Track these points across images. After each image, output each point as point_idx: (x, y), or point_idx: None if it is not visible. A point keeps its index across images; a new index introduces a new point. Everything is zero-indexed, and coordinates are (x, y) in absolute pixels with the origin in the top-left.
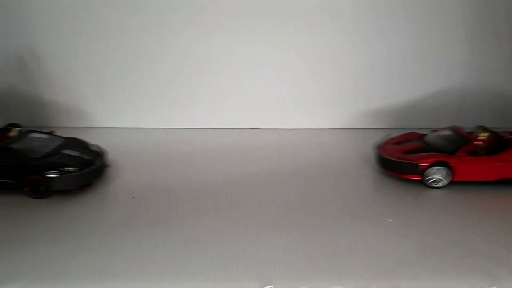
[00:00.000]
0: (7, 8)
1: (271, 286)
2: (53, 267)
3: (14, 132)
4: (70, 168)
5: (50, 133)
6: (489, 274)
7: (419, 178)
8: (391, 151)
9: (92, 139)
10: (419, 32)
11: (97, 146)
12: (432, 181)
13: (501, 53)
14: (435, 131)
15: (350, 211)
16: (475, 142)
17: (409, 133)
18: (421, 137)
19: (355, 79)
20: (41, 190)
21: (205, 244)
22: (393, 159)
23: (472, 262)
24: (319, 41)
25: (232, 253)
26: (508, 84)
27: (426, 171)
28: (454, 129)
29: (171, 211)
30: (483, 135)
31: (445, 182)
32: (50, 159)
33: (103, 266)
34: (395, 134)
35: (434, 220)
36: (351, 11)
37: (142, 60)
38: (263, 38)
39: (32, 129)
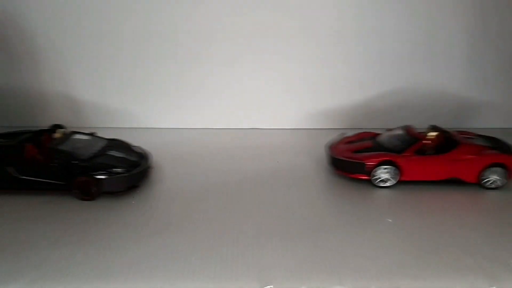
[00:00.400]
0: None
1: (271, 286)
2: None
3: (58, 134)
4: (118, 170)
5: (91, 134)
6: (489, 274)
7: (367, 178)
8: (341, 150)
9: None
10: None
11: (140, 147)
12: (380, 181)
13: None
14: (389, 130)
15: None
16: (423, 142)
17: (362, 133)
18: (374, 136)
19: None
20: (90, 192)
21: (205, 244)
22: (341, 158)
23: (472, 262)
24: (315, 46)
25: (232, 253)
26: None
27: (373, 171)
28: (406, 128)
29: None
30: (432, 135)
31: (392, 181)
32: (97, 160)
33: (103, 266)
34: (350, 133)
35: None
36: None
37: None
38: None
39: (74, 130)
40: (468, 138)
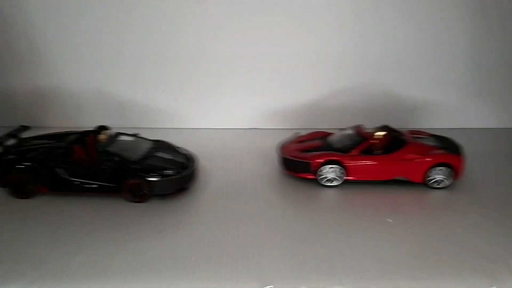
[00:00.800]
0: None
1: (271, 286)
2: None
3: (104, 135)
4: (169, 171)
5: (135, 135)
6: (489, 274)
7: (313, 177)
8: (290, 150)
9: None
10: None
11: (185, 149)
12: (326, 180)
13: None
14: (342, 130)
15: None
16: (370, 141)
17: (314, 132)
18: (325, 136)
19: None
20: (141, 194)
21: (205, 244)
22: (288, 157)
23: (472, 262)
24: (318, 37)
25: (232, 253)
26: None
27: (318, 170)
28: (355, 128)
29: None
30: (379, 134)
31: (339, 181)
32: (147, 162)
33: (103, 265)
34: (303, 133)
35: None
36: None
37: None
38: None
39: (119, 131)
40: (418, 138)
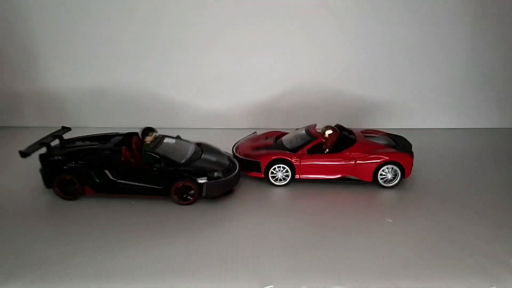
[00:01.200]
0: None
1: (271, 286)
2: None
3: (151, 137)
4: (216, 174)
5: (177, 137)
6: (489, 274)
7: (262, 176)
8: (244, 148)
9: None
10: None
11: (225, 151)
12: (275, 179)
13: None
14: (296, 129)
15: (350, 210)
16: (318, 140)
17: (269, 132)
18: (280, 135)
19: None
20: (190, 196)
21: (205, 244)
22: (240, 157)
23: (472, 262)
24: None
25: (232, 253)
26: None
27: (267, 169)
28: (308, 128)
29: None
30: (328, 134)
31: (287, 179)
32: (195, 164)
33: (103, 265)
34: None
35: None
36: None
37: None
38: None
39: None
40: (370, 137)
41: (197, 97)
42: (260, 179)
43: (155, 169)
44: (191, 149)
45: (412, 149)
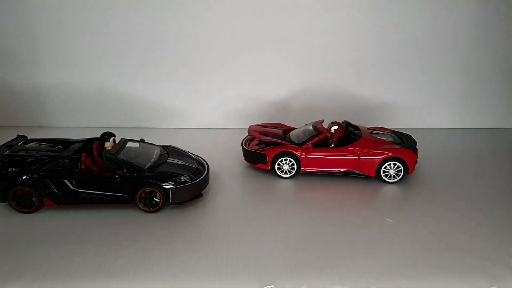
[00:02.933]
0: None
1: (271, 286)
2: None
3: (110, 142)
4: (183, 178)
5: (141, 141)
6: (489, 274)
7: (268, 168)
8: (251, 131)
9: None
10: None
11: (192, 153)
12: (281, 171)
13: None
14: (306, 125)
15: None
16: (323, 135)
17: (279, 124)
18: (289, 129)
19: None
20: (156, 203)
21: (204, 243)
22: (247, 149)
23: (472, 262)
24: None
25: (232, 253)
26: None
27: (273, 161)
28: (315, 123)
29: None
30: (333, 129)
31: (292, 172)
32: (161, 169)
33: (103, 265)
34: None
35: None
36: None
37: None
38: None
39: (125, 138)
40: (376, 133)
41: (197, 98)
42: (266, 171)
43: (117, 176)
44: (156, 153)
45: (417, 147)
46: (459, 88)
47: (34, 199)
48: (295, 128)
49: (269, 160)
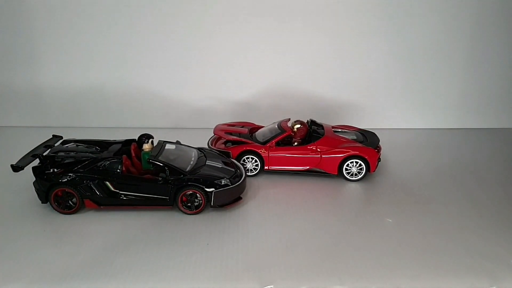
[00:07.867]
0: None
1: (271, 286)
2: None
3: (148, 144)
4: (224, 181)
5: (177, 142)
6: (489, 274)
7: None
8: (217, 130)
9: None
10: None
11: (225, 156)
12: (246, 169)
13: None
14: (272, 124)
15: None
16: (286, 133)
17: (247, 122)
18: (255, 128)
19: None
20: (198, 206)
21: (204, 243)
22: (211, 147)
23: (472, 262)
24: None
25: (232, 253)
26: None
27: (238, 159)
28: (280, 122)
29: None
30: (296, 128)
31: (256, 170)
32: (202, 172)
33: (103, 266)
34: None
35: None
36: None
37: None
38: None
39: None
40: (340, 132)
41: (195, 95)
42: None
43: (160, 178)
44: (194, 155)
45: (380, 144)
46: (459, 88)
47: (74, 200)
48: (262, 127)
49: (233, 158)
